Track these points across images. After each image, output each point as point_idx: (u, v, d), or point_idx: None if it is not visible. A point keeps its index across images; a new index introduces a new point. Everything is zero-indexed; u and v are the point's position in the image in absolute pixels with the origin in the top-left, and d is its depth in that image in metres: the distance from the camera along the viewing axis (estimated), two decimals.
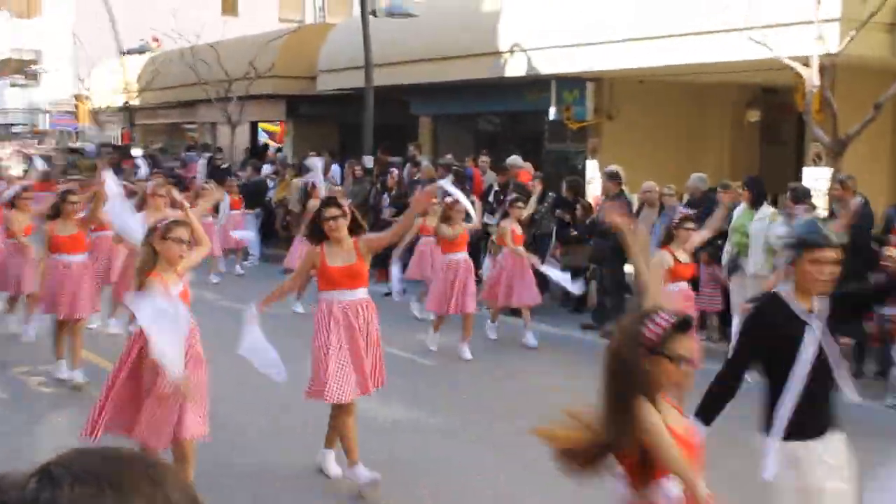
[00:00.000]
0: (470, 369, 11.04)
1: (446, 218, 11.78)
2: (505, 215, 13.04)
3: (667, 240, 9.23)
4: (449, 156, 19.27)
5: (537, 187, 15.22)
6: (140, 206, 10.46)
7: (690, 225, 9.30)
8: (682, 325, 3.55)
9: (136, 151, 23.65)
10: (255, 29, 31.21)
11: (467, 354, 11.49)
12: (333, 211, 6.89)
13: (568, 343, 12.76)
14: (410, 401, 9.26)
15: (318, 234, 6.90)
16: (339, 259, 6.93)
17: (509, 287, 12.36)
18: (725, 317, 12.01)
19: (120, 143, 36.62)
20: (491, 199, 16.40)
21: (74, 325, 10.03)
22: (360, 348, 6.83)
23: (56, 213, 10.14)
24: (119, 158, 29.49)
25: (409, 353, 11.54)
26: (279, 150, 29.47)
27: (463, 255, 11.86)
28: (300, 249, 14.39)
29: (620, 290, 13.56)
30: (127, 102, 34.41)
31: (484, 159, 18.48)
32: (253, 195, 20.14)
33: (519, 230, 12.56)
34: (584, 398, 3.75)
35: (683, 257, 9.18)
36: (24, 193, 11.71)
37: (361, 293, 6.94)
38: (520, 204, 12.78)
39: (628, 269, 13.69)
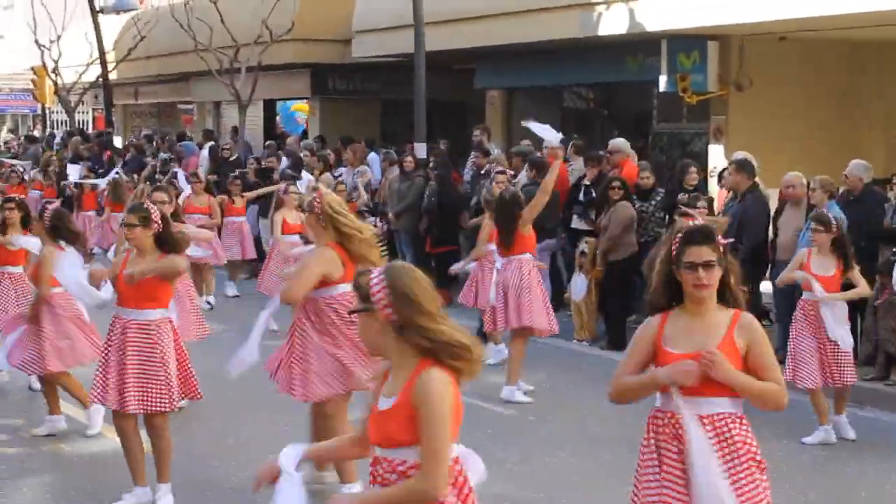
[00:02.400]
0: None
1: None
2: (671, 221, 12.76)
3: None
4: (526, 142, 19.35)
5: (648, 180, 15.23)
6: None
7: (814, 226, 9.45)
8: (688, 236, 5.28)
9: (73, 171, 23.83)
10: None
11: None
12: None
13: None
14: None
15: None
16: None
17: None
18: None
19: (93, 130, 37.27)
20: (581, 197, 16.57)
21: None
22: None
23: None
24: (98, 148, 30.05)
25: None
26: (303, 135, 29.78)
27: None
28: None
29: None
30: (102, 76, 35.11)
31: (576, 143, 18.32)
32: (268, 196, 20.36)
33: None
34: None
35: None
36: None
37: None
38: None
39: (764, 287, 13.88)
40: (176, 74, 33.99)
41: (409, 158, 19.52)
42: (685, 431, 5.21)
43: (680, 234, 5.37)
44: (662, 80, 19.27)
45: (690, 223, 5.50)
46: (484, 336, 13.88)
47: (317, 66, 28.24)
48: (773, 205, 14.22)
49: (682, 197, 14.79)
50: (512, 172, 16.14)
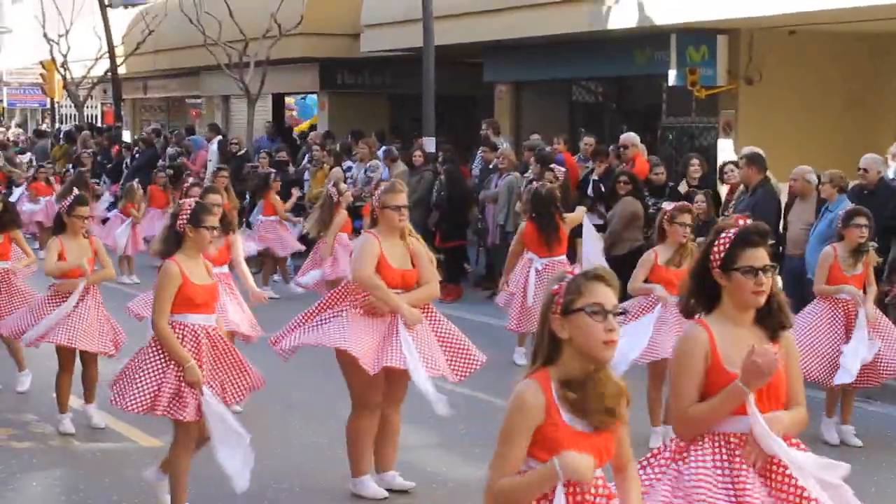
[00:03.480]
0: None
1: None
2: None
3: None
4: (535, 136, 19.34)
5: (661, 175, 15.21)
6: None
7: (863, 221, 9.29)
8: (744, 236, 4.89)
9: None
10: None
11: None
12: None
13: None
14: None
15: None
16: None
17: None
18: None
19: (103, 125, 37.30)
20: (590, 191, 16.54)
21: None
22: None
23: None
24: (107, 143, 30.08)
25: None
26: (309, 130, 29.74)
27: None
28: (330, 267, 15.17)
29: None
30: (111, 71, 35.10)
31: (588, 140, 18.43)
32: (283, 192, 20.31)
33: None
34: None
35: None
36: None
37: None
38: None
39: None
40: (185, 69, 33.95)
41: (419, 153, 19.53)
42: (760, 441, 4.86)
43: (727, 234, 5.01)
44: (671, 74, 19.24)
45: (740, 222, 5.04)
46: None
47: (325, 61, 28.24)
48: (785, 199, 14.21)
49: (681, 189, 14.74)
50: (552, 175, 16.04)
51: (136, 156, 27.43)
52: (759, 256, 4.91)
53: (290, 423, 10.80)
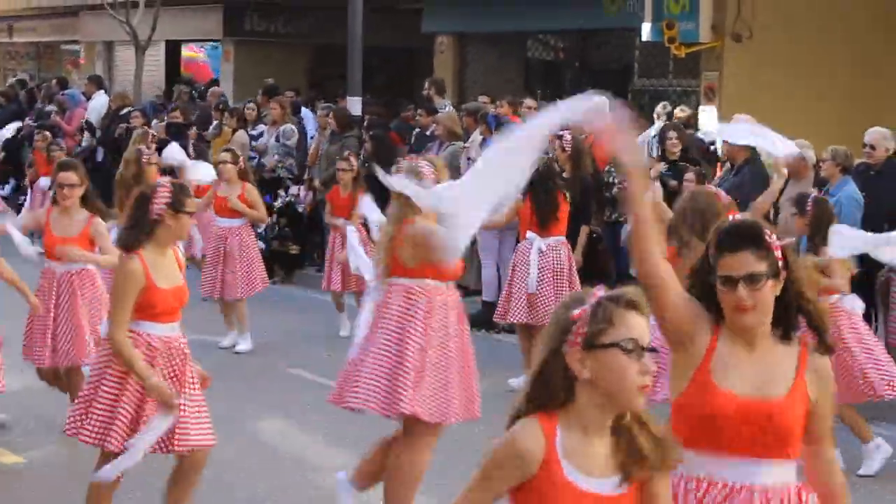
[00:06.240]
0: None
1: None
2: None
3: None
4: (483, 97, 19.10)
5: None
6: None
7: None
8: (726, 236, 4.57)
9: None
10: None
11: None
12: None
13: None
14: None
15: None
16: None
17: None
18: None
19: None
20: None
21: None
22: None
23: None
24: None
25: None
26: (210, 84, 29.29)
27: None
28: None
29: None
30: None
31: (530, 103, 17.85)
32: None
33: None
34: None
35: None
36: None
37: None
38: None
39: None
40: (59, 8, 33.61)
41: (331, 116, 19.10)
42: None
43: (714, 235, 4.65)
44: (645, 28, 19.16)
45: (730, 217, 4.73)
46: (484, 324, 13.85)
47: (231, 2, 27.95)
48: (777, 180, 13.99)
49: (661, 167, 14.58)
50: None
51: None
52: (740, 263, 4.54)
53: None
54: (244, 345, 14.48)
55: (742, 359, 4.60)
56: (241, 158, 14.96)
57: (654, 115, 18.13)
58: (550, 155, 13.80)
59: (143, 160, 13.45)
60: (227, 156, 14.42)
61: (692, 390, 4.62)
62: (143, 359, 7.53)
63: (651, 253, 4.67)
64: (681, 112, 18.71)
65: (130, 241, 7.65)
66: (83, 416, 7.68)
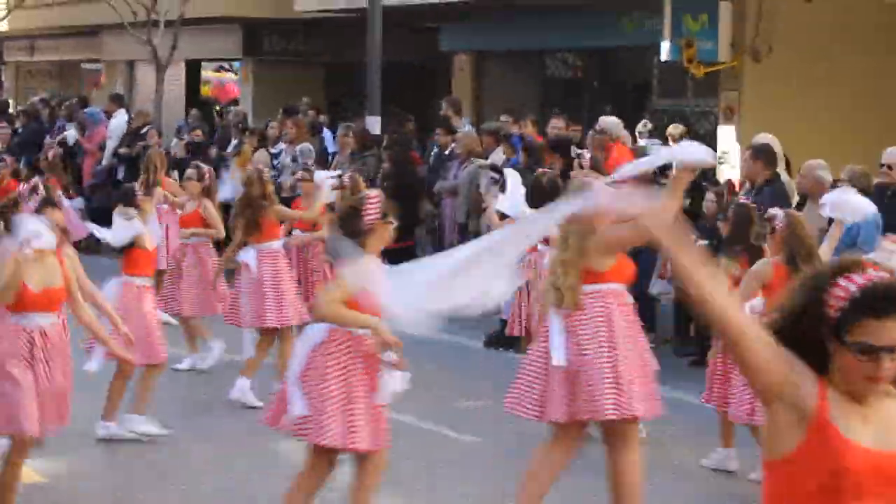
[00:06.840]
0: None
1: None
2: None
3: None
4: (504, 117, 19.11)
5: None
6: None
7: None
8: (873, 300, 3.81)
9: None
10: None
11: None
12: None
13: None
14: None
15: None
16: None
17: None
18: None
19: None
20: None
21: None
22: None
23: None
24: None
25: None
26: (229, 105, 29.37)
27: None
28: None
29: None
30: None
31: (557, 123, 17.86)
32: None
33: None
34: None
35: None
36: None
37: None
38: None
39: None
40: (81, 27, 33.66)
41: (350, 135, 19.22)
42: None
43: (849, 285, 3.93)
44: (664, 47, 19.20)
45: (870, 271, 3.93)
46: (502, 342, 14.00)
47: (250, 22, 28.06)
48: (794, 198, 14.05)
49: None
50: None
51: (19, 131, 26.97)
52: (890, 332, 3.88)
53: None
54: (211, 358, 14.24)
55: (856, 411, 4.02)
56: (207, 176, 15.03)
57: (667, 136, 18.08)
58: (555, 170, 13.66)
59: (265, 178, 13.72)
60: (192, 172, 14.76)
61: (813, 442, 3.99)
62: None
63: (733, 318, 4.09)
64: (674, 129, 18.64)
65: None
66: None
